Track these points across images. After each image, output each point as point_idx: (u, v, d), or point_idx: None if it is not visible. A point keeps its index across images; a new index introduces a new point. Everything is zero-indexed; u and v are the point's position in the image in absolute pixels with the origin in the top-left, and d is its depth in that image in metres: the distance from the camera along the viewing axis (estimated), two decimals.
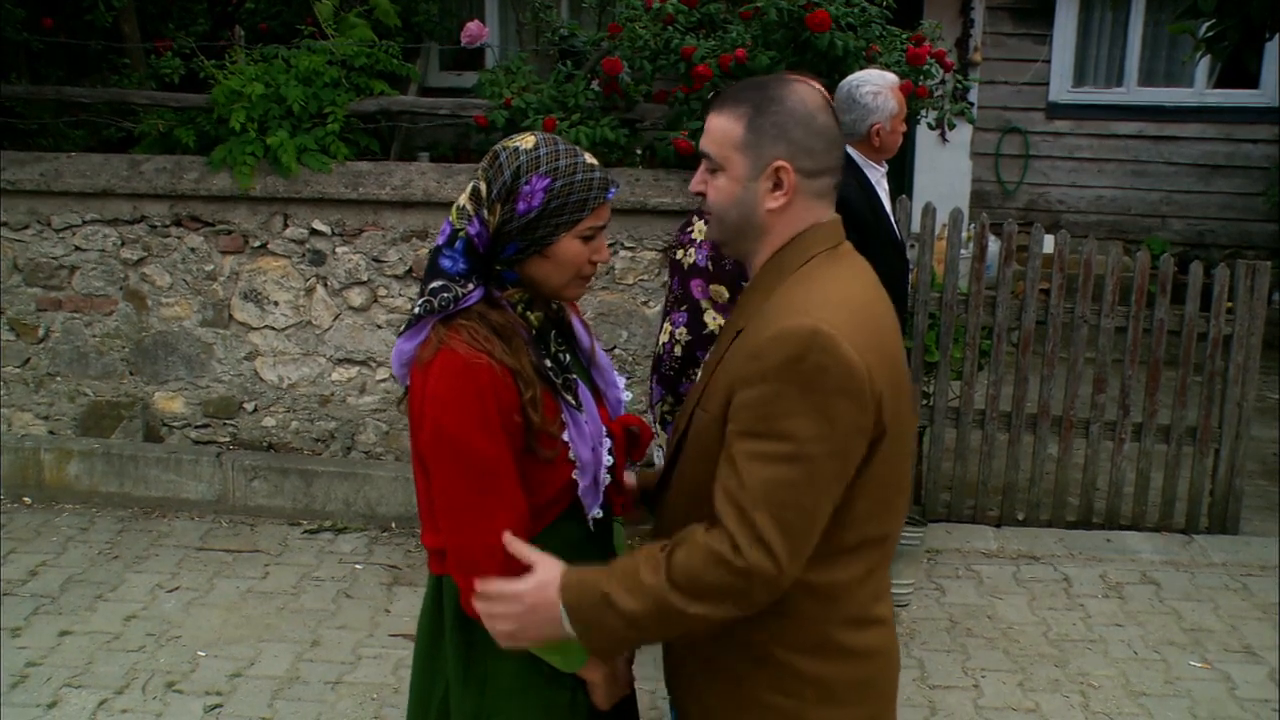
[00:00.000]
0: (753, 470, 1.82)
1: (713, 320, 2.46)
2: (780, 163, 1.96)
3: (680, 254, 2.54)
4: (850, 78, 4.15)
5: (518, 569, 2.04)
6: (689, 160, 5.23)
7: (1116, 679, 4.16)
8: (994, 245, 6.31)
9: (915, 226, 5.37)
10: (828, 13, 4.99)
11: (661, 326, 2.57)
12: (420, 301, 2.07)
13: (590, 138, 5.26)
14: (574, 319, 2.30)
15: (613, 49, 5.59)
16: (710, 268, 2.49)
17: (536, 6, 6.34)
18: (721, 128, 1.99)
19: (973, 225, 7.82)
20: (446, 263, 2.08)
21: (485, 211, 2.07)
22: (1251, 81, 9.46)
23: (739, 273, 2.50)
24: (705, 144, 2.01)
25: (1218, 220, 9.68)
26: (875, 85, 4.05)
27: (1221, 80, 9.48)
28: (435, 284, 2.07)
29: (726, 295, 2.49)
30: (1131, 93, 9.74)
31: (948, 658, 4.27)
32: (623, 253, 5.32)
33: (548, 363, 2.12)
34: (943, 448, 5.38)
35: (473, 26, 6.32)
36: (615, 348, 5.35)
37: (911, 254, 4.93)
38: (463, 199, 2.11)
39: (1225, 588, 4.84)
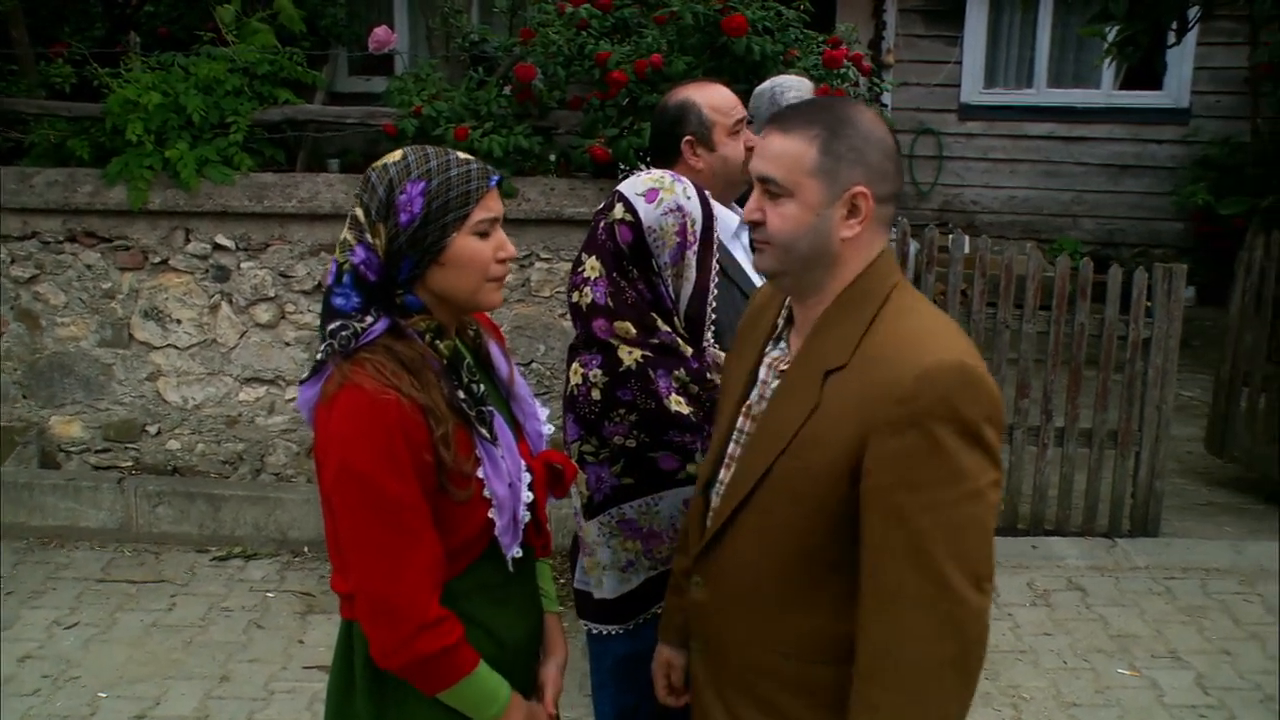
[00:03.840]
0: (935, 520, 1.72)
1: (628, 355, 2.34)
2: (859, 188, 1.85)
3: (576, 296, 2.42)
4: (770, 82, 4.07)
5: (432, 617, 1.92)
6: (605, 168, 5.11)
7: (1047, 690, 4.12)
8: (914, 248, 6.29)
9: None
10: (744, 17, 4.91)
11: (570, 366, 2.44)
12: (322, 347, 1.94)
13: (504, 146, 5.12)
14: (493, 346, 2.17)
15: (525, 55, 5.45)
16: (611, 304, 2.37)
17: (446, 12, 6.17)
18: (791, 151, 1.85)
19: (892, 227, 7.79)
20: (339, 301, 1.95)
21: (368, 235, 1.93)
22: (1157, 83, 9.58)
23: (642, 305, 2.38)
24: (768, 168, 1.86)
25: (1127, 219, 9.79)
26: (798, 90, 3.98)
27: (1128, 82, 9.60)
28: (333, 325, 1.94)
29: (633, 331, 2.36)
30: (1042, 94, 9.81)
31: None
32: (539, 264, 5.18)
33: (460, 395, 1.99)
34: None
35: (380, 32, 6.15)
36: (533, 362, 5.22)
37: None
38: (344, 231, 1.97)
39: (1149, 591, 4.84)
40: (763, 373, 2.00)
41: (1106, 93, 9.70)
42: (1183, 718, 3.98)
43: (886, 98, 8.93)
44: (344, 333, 1.92)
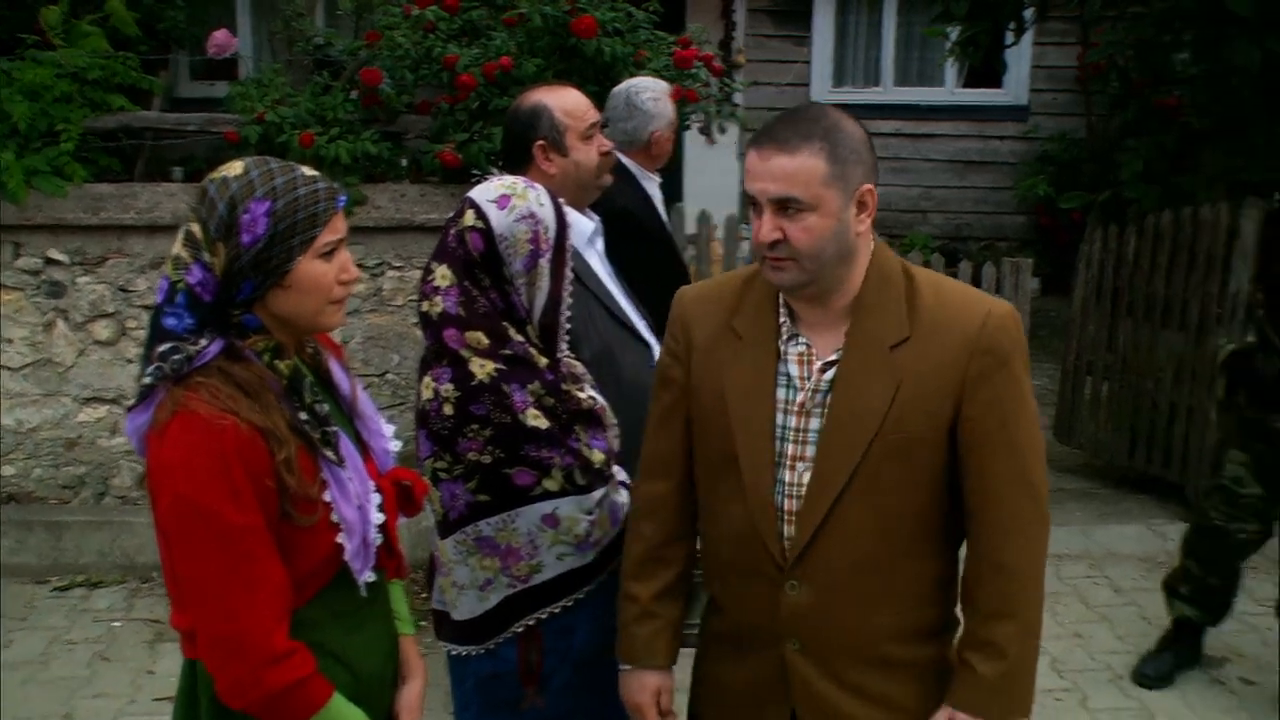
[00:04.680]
0: (1029, 445, 2.03)
1: (480, 368, 2.27)
2: (866, 187, 1.99)
3: (427, 305, 2.34)
4: (626, 84, 4.05)
5: (280, 650, 1.83)
6: (456, 174, 5.03)
7: None
8: None
9: (690, 232, 5.30)
10: (594, 18, 4.87)
11: (421, 380, 2.36)
12: (150, 370, 1.83)
13: (351, 152, 5.00)
14: (333, 364, 2.09)
15: (372, 59, 5.33)
16: (463, 314, 2.30)
17: (288, 15, 6.00)
18: (805, 168, 1.93)
19: (746, 226, 7.85)
20: (171, 321, 1.84)
21: (206, 254, 1.83)
22: (998, 81, 9.83)
23: (494, 315, 2.32)
24: (788, 189, 1.93)
25: (973, 214, 10.03)
26: (654, 91, 3.96)
27: (970, 80, 9.83)
28: (163, 347, 1.83)
29: (486, 341, 2.30)
30: (888, 92, 10.00)
31: None
32: (390, 273, 5.07)
33: (303, 416, 1.90)
34: None
35: (219, 36, 5.95)
36: (387, 372, 5.10)
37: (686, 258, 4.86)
38: (176, 247, 1.86)
39: None
40: (797, 370, 2.06)
41: (950, 91, 9.92)
42: (1040, 701, 4.06)
43: (738, 97, 9.00)
44: (175, 355, 1.81)
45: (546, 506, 2.32)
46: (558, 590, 2.39)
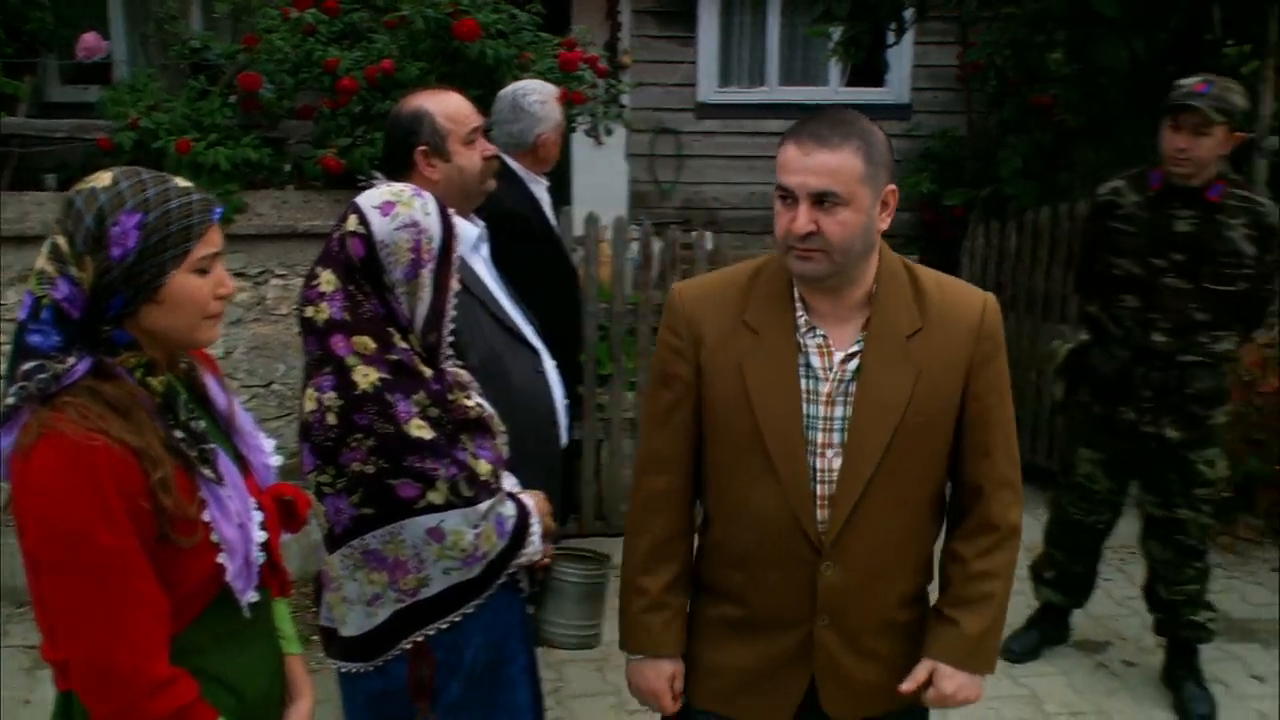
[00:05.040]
0: (1012, 416, 2.27)
1: (364, 377, 2.22)
2: (890, 187, 2.12)
3: (311, 311, 2.29)
4: (512, 87, 4.02)
5: (161, 678, 1.77)
6: (340, 179, 4.94)
7: None
8: (659, 248, 6.34)
9: (578, 233, 5.28)
10: (476, 21, 4.83)
11: (304, 392, 2.31)
12: (14, 390, 1.75)
13: (231, 158, 4.89)
14: (208, 378, 2.03)
15: (250, 62, 5.22)
16: (349, 319, 2.25)
17: (161, 17, 5.84)
18: (846, 165, 2.03)
19: (635, 226, 7.86)
20: (36, 338, 1.77)
21: (73, 269, 1.77)
22: (880, 80, 9.97)
23: (380, 320, 2.28)
24: (827, 184, 2.03)
25: None
26: (541, 94, 3.94)
27: (854, 79, 9.94)
28: (27, 365, 1.76)
29: (373, 345, 2.26)
30: (774, 91, 10.07)
31: None
32: (274, 281, 4.97)
33: (178, 434, 1.85)
34: (621, 460, 5.32)
35: (89, 39, 5.79)
36: (272, 383, 5.00)
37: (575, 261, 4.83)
38: (41, 261, 1.80)
39: None
40: (819, 360, 2.16)
41: (834, 90, 10.02)
42: None
43: (625, 99, 9.00)
44: (41, 375, 1.75)
45: (431, 520, 2.28)
46: (445, 605, 2.35)
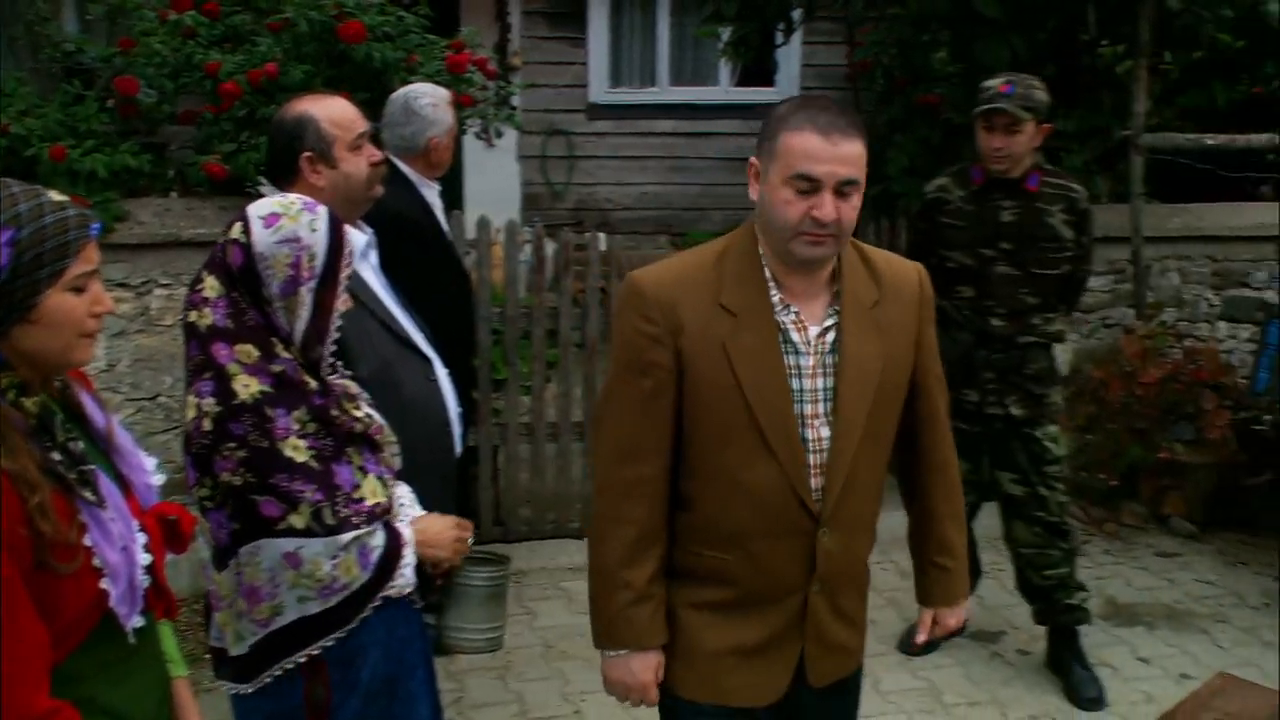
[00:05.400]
0: (942, 376, 2.47)
1: (244, 388, 2.17)
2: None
3: (194, 316, 2.23)
4: (404, 90, 3.97)
5: (41, 710, 1.71)
6: (224, 186, 4.84)
7: None
8: (552, 249, 6.32)
9: (471, 236, 5.23)
10: (362, 23, 4.76)
11: (186, 400, 2.25)
12: None
13: (109, 166, 4.75)
14: (84, 397, 1.96)
15: (127, 66, 5.08)
16: (232, 326, 2.20)
17: (31, 19, 5.65)
18: (861, 153, 2.12)
19: (528, 229, 7.83)
20: None
21: None
22: (770, 80, 10.06)
23: (263, 329, 2.23)
24: (854, 172, 2.11)
25: (751, 210, 10.17)
26: (433, 97, 3.90)
27: (744, 79, 10.01)
28: None
29: (256, 354, 2.20)
30: (665, 92, 10.10)
31: (546, 686, 4.18)
32: (158, 291, 4.84)
33: (55, 456, 1.78)
34: (518, 465, 5.28)
35: None
36: (159, 395, 4.87)
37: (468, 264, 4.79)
38: None
39: None
40: (798, 336, 2.22)
41: (725, 90, 10.10)
42: None
43: (516, 100, 8.95)
44: None
45: (290, 544, 2.20)
46: (299, 637, 2.26)
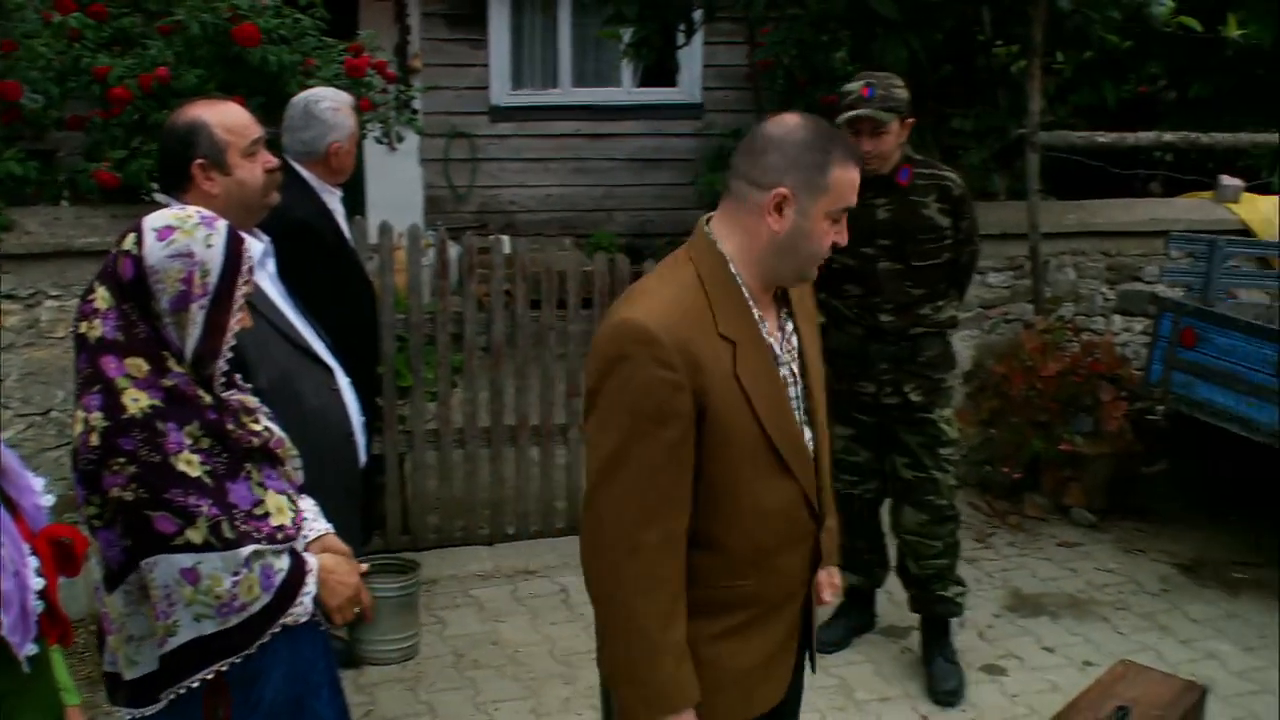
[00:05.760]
0: None
1: (133, 402, 2.10)
2: None
3: (84, 327, 2.16)
4: (305, 94, 3.89)
5: None
6: (117, 194, 4.71)
7: None
8: (456, 253, 6.26)
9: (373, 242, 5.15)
10: (256, 26, 4.66)
11: (74, 414, 2.17)
12: None
13: None
14: None
15: (9, 69, 4.91)
16: (122, 339, 2.13)
17: None
18: None
19: (431, 232, 7.74)
20: None
21: None
22: (672, 80, 10.08)
23: (154, 342, 2.16)
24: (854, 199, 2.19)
25: (656, 210, 10.24)
26: (334, 102, 3.82)
27: (646, 80, 10.02)
28: None
29: (146, 368, 2.14)
30: (567, 93, 10.08)
31: (458, 696, 4.12)
32: (48, 302, 4.68)
33: None
34: (425, 472, 5.22)
35: None
36: (50, 410, 4.72)
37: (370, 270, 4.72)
38: None
39: None
40: (778, 350, 2.26)
41: (627, 90, 10.10)
42: None
43: (417, 103, 8.85)
44: None
45: (187, 559, 2.13)
46: (194, 659, 2.18)
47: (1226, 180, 6.77)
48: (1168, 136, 6.90)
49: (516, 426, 5.33)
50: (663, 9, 6.58)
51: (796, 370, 2.29)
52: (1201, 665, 4.44)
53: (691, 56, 9.68)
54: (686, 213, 10.16)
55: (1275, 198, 6.84)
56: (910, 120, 4.08)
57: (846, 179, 2.14)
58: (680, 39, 6.88)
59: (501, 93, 9.89)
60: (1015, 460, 5.83)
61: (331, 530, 2.51)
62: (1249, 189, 6.84)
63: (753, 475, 2.17)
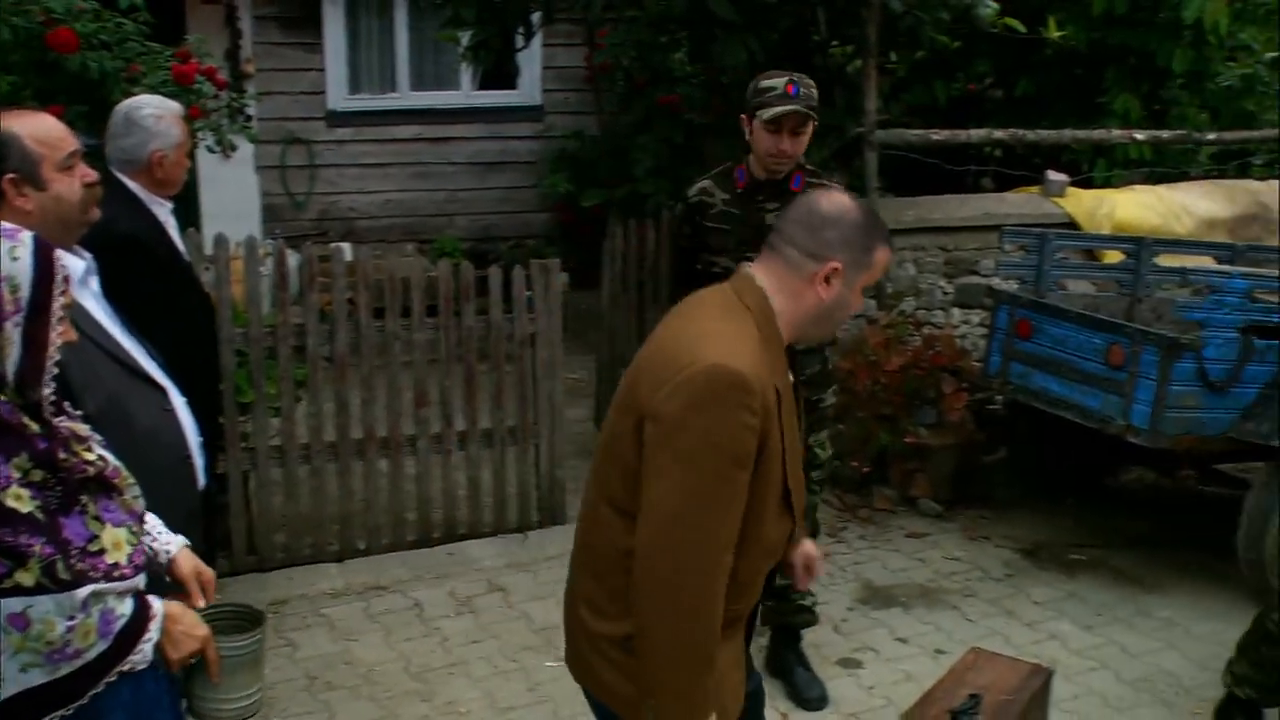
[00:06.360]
0: None
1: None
2: None
3: None
4: (128, 101, 3.73)
5: None
6: None
7: (483, 699, 4.13)
8: (296, 262, 6.10)
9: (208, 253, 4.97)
10: (73, 30, 4.45)
11: None
12: None
13: None
14: None
15: None
16: None
17: None
18: None
19: (269, 242, 7.54)
20: None
21: None
22: (512, 83, 10.01)
23: None
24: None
25: (499, 214, 10.17)
26: (157, 109, 3.66)
27: (486, 83, 9.94)
28: None
29: None
30: (406, 97, 9.93)
31: None
32: None
33: None
34: (271, 489, 5.06)
35: None
36: None
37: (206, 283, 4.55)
38: None
39: (564, 580, 4.98)
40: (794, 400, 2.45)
41: (466, 94, 10.00)
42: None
43: (251, 109, 8.60)
44: None
45: (16, 604, 1.96)
46: (21, 713, 2.01)
47: (1053, 175, 7.02)
48: (998, 134, 7.11)
49: (364, 439, 5.20)
50: (501, 12, 6.53)
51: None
52: (1045, 646, 4.59)
53: (531, 59, 9.62)
54: (530, 216, 10.14)
55: (1098, 191, 7.12)
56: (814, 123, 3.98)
57: (885, 259, 2.40)
58: (519, 42, 6.84)
59: (338, 97, 9.69)
60: (863, 454, 5.93)
61: (187, 544, 2.43)
62: (1073, 183, 7.10)
63: (768, 513, 2.32)
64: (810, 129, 3.93)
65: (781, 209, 3.93)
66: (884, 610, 4.91)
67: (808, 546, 2.68)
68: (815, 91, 3.94)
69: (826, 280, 2.32)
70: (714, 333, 2.27)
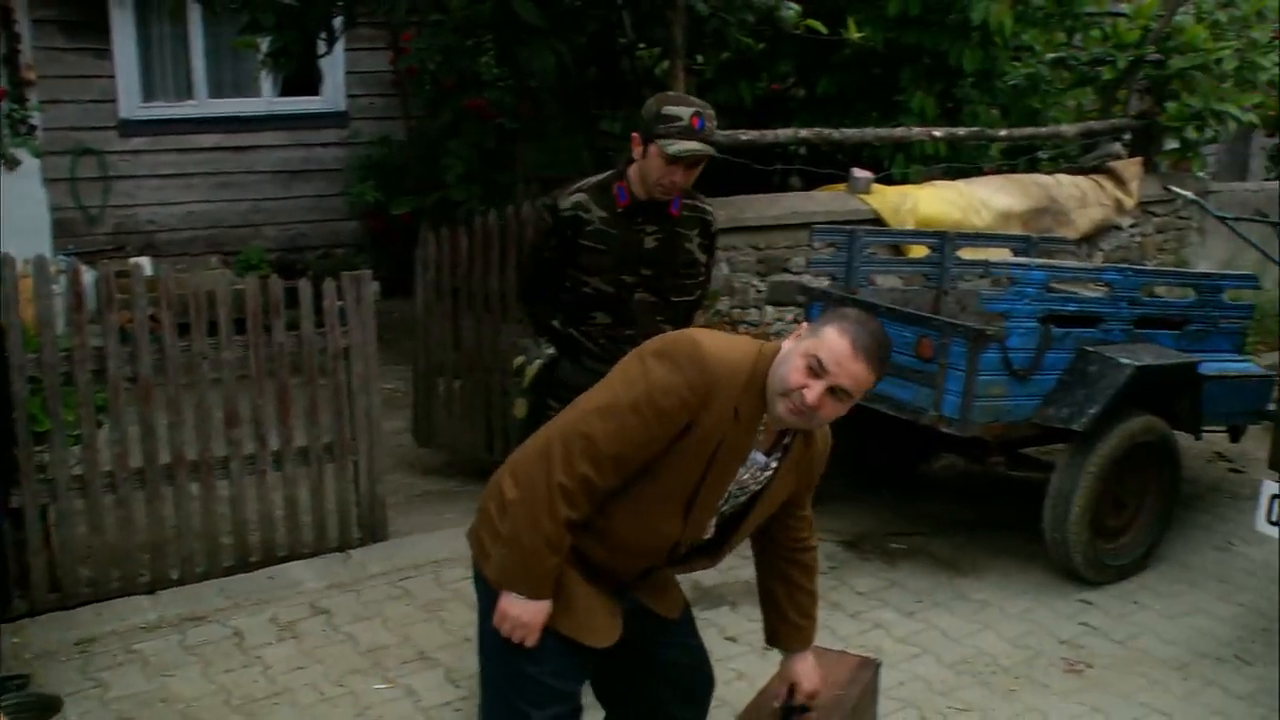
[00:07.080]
0: None
1: None
2: None
3: None
4: None
5: None
6: None
7: None
8: (91, 279, 5.81)
9: None
10: None
11: None
12: None
13: None
14: None
15: None
16: None
17: None
18: (871, 384, 2.66)
19: (61, 259, 7.18)
20: None
21: None
22: (315, 89, 9.77)
23: None
24: (856, 391, 2.61)
25: (306, 223, 9.94)
26: None
27: (287, 89, 9.68)
28: None
29: None
30: (204, 105, 9.61)
31: None
32: None
33: None
34: (73, 521, 4.80)
35: None
36: None
37: None
38: None
39: (389, 598, 4.89)
40: (759, 459, 2.74)
41: (268, 101, 9.74)
42: (440, 717, 4.07)
43: (35, 119, 8.18)
44: None
45: None
46: None
47: (858, 173, 7.21)
48: (803, 133, 7.27)
49: (173, 463, 4.98)
50: (301, 17, 6.35)
51: (750, 493, 2.77)
52: (870, 635, 4.69)
53: (334, 64, 9.40)
54: (338, 224, 9.94)
55: (901, 187, 7.35)
56: None
57: (837, 345, 2.60)
58: (321, 47, 6.67)
59: (131, 106, 9.31)
60: None
61: None
62: (876, 180, 7.30)
63: (664, 504, 2.67)
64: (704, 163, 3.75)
65: (659, 234, 3.87)
66: (713, 610, 4.94)
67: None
68: (715, 123, 3.75)
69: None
70: (713, 333, 2.72)
